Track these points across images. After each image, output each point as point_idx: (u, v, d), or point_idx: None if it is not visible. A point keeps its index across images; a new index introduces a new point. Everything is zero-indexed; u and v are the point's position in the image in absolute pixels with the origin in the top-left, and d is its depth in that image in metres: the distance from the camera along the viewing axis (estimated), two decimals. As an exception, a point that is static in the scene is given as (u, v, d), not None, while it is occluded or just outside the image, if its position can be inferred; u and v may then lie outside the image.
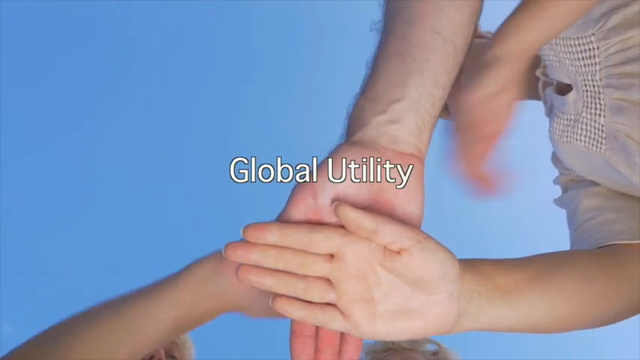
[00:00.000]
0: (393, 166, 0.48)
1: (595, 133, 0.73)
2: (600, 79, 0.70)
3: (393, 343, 1.12)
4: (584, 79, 0.72)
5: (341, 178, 0.47)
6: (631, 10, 0.66)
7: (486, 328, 0.54)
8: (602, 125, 0.72)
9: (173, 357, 1.13)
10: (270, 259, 0.47)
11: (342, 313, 0.49)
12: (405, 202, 0.49)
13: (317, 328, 0.51)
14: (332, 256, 0.48)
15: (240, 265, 0.48)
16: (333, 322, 0.49)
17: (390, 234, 0.46)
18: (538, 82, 0.85)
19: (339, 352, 0.52)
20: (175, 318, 0.57)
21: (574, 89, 0.74)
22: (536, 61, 0.82)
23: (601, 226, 0.74)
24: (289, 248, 0.48)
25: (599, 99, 0.71)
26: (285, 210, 0.48)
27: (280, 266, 0.48)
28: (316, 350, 0.51)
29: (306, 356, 0.51)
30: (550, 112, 0.83)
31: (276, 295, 0.49)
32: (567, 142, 0.77)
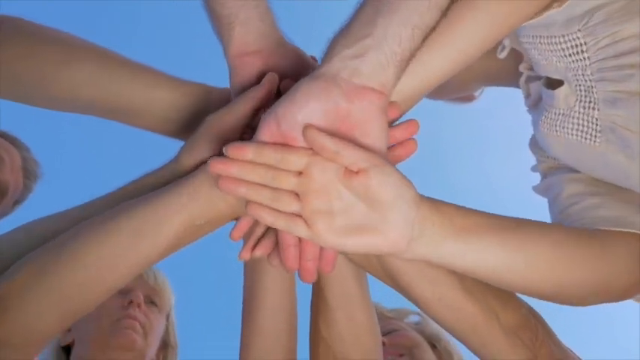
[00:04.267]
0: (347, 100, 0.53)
1: (588, 127, 0.74)
2: (591, 74, 0.71)
3: (377, 311, 1.13)
4: (575, 74, 0.73)
5: (300, 109, 0.53)
6: (615, 7, 0.67)
7: (441, 261, 0.59)
8: (596, 119, 0.73)
9: (152, 302, 1.12)
10: (246, 172, 0.55)
11: (305, 222, 0.56)
12: (365, 132, 0.54)
13: (300, 241, 0.59)
14: (300, 173, 0.56)
15: (221, 176, 0.56)
16: (297, 229, 0.57)
17: (349, 156, 0.53)
18: (520, 76, 0.85)
19: (320, 256, 0.61)
20: (186, 222, 0.60)
21: (565, 84, 0.75)
22: (519, 55, 0.83)
23: (585, 211, 0.76)
24: (264, 165, 0.55)
25: (592, 93, 0.72)
26: (253, 138, 0.56)
27: (255, 178, 0.55)
28: (300, 258, 0.60)
29: (292, 262, 0.60)
30: (535, 104, 0.85)
31: (250, 202, 0.57)
32: (557, 135, 0.78)
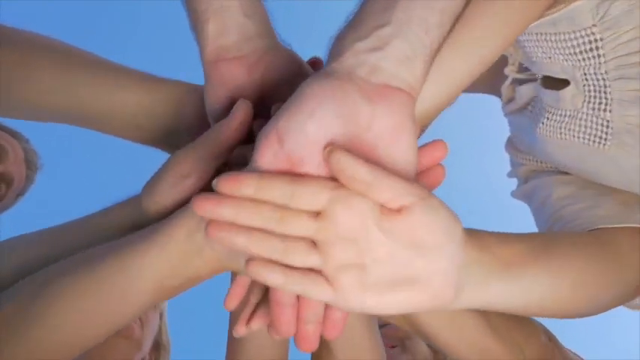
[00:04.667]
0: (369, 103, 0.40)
1: (597, 129, 0.70)
2: (606, 72, 0.66)
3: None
4: (585, 74, 0.68)
5: (310, 118, 0.40)
6: None
7: (485, 305, 0.49)
8: (608, 121, 0.69)
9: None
10: (244, 214, 0.41)
11: (327, 280, 0.42)
12: (393, 150, 0.42)
13: (299, 296, 0.45)
14: (318, 213, 0.41)
15: (210, 220, 0.42)
16: (317, 291, 0.42)
17: (389, 188, 0.40)
18: (502, 80, 0.82)
19: (325, 318, 0.46)
20: (158, 280, 0.48)
21: (572, 84, 0.70)
22: (502, 60, 0.80)
23: (582, 211, 0.71)
24: (267, 203, 0.41)
25: (605, 92, 0.67)
26: (249, 165, 0.42)
27: (256, 222, 0.41)
28: (298, 320, 0.46)
29: (287, 327, 0.45)
30: (524, 109, 0.81)
31: (251, 258, 0.42)
32: (561, 138, 0.74)
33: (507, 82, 0.82)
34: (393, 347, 1.06)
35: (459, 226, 0.43)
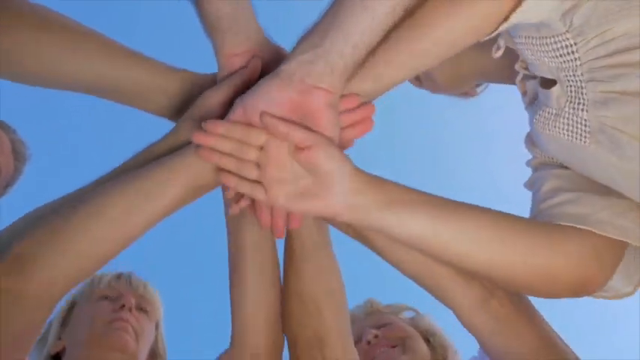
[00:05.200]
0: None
1: (578, 127, 0.74)
2: (582, 74, 0.71)
3: (372, 306, 1.17)
4: (566, 75, 0.72)
5: (260, 98, 0.67)
6: (590, 5, 0.67)
7: (373, 228, 0.72)
8: (585, 120, 0.72)
9: (142, 309, 1.14)
10: (220, 143, 0.70)
11: (264, 188, 0.70)
12: (315, 122, 0.67)
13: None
14: (261, 148, 0.70)
15: (200, 147, 0.70)
16: (257, 193, 0.71)
17: (297, 135, 0.67)
18: (517, 75, 0.85)
19: (288, 217, 0.76)
20: (185, 186, 0.73)
21: (558, 84, 0.74)
22: (515, 53, 0.82)
23: (555, 206, 0.78)
24: (234, 139, 0.70)
25: (582, 93, 0.72)
26: (225, 119, 0.71)
27: (225, 149, 0.70)
28: (272, 215, 0.76)
29: (266, 220, 0.76)
30: (531, 102, 0.84)
31: (221, 170, 0.71)
32: (549, 134, 0.78)
33: (519, 77, 0.86)
34: (393, 347, 1.06)
35: (347, 164, 0.68)
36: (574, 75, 0.72)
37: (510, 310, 0.80)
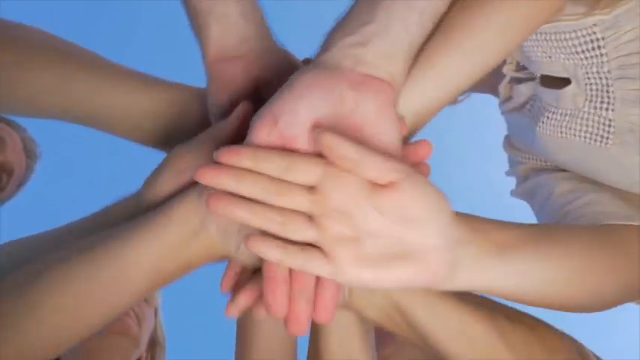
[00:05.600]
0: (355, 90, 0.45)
1: (599, 128, 0.70)
2: (609, 71, 0.66)
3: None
4: (587, 72, 0.68)
5: (300, 100, 0.44)
6: None
7: (480, 287, 0.50)
8: (610, 120, 0.69)
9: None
10: (244, 183, 0.44)
11: (324, 254, 0.45)
12: (378, 130, 0.45)
13: (291, 273, 0.46)
14: (312, 188, 0.44)
15: (212, 192, 0.45)
16: (315, 264, 0.45)
17: (376, 165, 0.43)
18: (500, 80, 0.82)
19: (315, 300, 0.47)
20: (155, 264, 0.48)
21: (574, 83, 0.71)
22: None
23: (585, 207, 0.71)
24: (265, 175, 0.44)
25: (607, 92, 0.67)
26: (246, 141, 0.46)
27: (256, 192, 0.44)
28: (290, 297, 0.46)
29: (279, 304, 0.46)
30: (522, 107, 0.82)
31: (251, 234, 0.45)
32: (562, 137, 0.74)
33: (505, 81, 0.82)
34: None
35: (445, 203, 0.46)
36: (598, 72, 0.67)
37: None
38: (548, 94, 0.75)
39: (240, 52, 0.55)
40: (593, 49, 0.65)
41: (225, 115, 0.54)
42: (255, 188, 0.44)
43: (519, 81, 0.81)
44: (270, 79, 0.56)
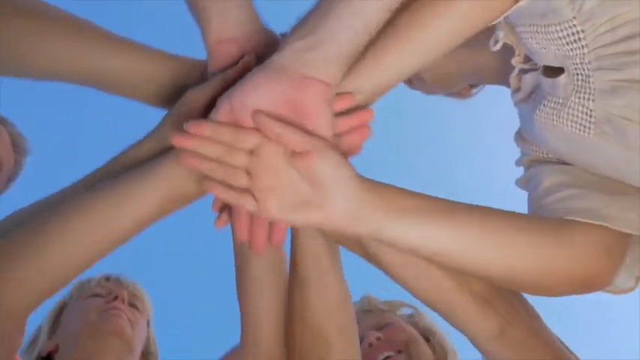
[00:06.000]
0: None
1: (582, 118, 0.72)
2: (589, 62, 0.69)
3: (370, 303, 1.15)
4: (574, 63, 0.70)
5: (249, 93, 0.60)
6: None
7: (383, 240, 0.65)
8: (591, 110, 0.71)
9: (134, 306, 1.14)
10: (204, 147, 0.61)
11: (254, 197, 0.62)
12: (311, 120, 0.61)
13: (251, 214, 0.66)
14: (251, 153, 0.62)
15: (182, 152, 0.62)
16: (247, 204, 0.63)
17: (293, 138, 0.60)
18: (510, 71, 0.84)
19: (271, 231, 0.67)
20: (161, 198, 0.66)
21: (565, 72, 0.73)
22: (508, 50, 0.81)
23: (559, 202, 0.75)
24: (220, 142, 0.61)
25: (589, 82, 0.70)
26: (209, 117, 0.63)
27: (211, 153, 0.62)
28: (251, 226, 0.67)
29: (242, 229, 0.67)
30: (527, 97, 0.83)
31: (205, 178, 0.64)
32: (554, 125, 0.76)
33: (514, 72, 0.84)
34: (399, 352, 1.05)
35: (349, 170, 0.61)
36: (581, 63, 0.70)
37: (527, 337, 0.77)
38: (547, 83, 0.77)
39: (235, 35, 0.68)
40: (575, 41, 0.68)
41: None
42: (213, 151, 0.62)
43: (526, 72, 0.82)
44: (261, 56, 0.68)
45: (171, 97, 0.76)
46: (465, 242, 0.66)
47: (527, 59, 0.82)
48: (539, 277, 0.69)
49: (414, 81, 1.00)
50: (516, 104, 0.87)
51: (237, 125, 0.61)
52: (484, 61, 0.85)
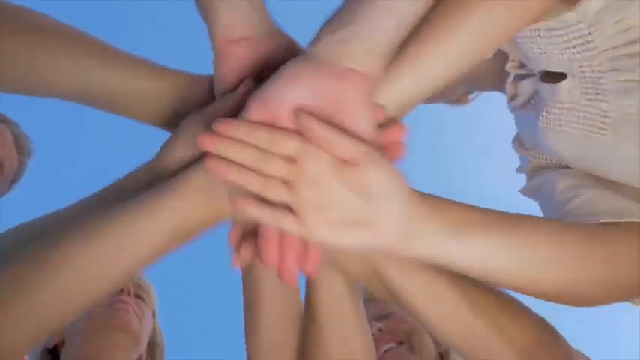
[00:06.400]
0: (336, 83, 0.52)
1: (595, 120, 0.71)
2: (599, 64, 0.69)
3: (370, 293, 1.09)
4: (581, 66, 0.70)
5: (286, 87, 0.53)
6: None
7: (438, 259, 0.57)
8: (605, 111, 0.70)
9: (139, 297, 1.13)
10: (234, 150, 0.53)
11: (294, 215, 0.53)
12: (353, 117, 0.53)
13: (282, 236, 0.56)
14: (291, 160, 0.53)
15: (208, 155, 0.54)
16: (286, 222, 0.53)
17: (344, 145, 0.52)
18: (506, 77, 0.84)
19: (302, 255, 0.57)
20: (172, 229, 0.56)
21: (569, 77, 0.72)
22: (504, 56, 0.81)
23: (585, 205, 0.73)
24: (254, 145, 0.53)
25: (600, 84, 0.70)
26: (240, 117, 0.54)
27: (243, 158, 0.53)
28: (281, 252, 0.57)
29: (270, 255, 0.56)
30: (525, 103, 0.83)
31: (235, 194, 0.55)
32: (560, 130, 0.75)
33: (510, 78, 0.83)
34: (400, 343, 1.04)
35: (403, 182, 0.54)
36: (590, 65, 0.69)
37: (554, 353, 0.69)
38: (546, 89, 0.76)
39: (246, 34, 0.62)
40: (582, 44, 0.68)
41: (232, 91, 0.63)
42: (245, 155, 0.53)
43: (522, 77, 0.82)
44: (274, 60, 0.61)
45: (172, 116, 0.70)
46: (524, 259, 0.59)
47: (522, 65, 0.82)
48: (587, 289, 0.63)
49: None
50: (513, 111, 0.87)
51: (273, 126, 0.53)
52: (480, 68, 0.84)
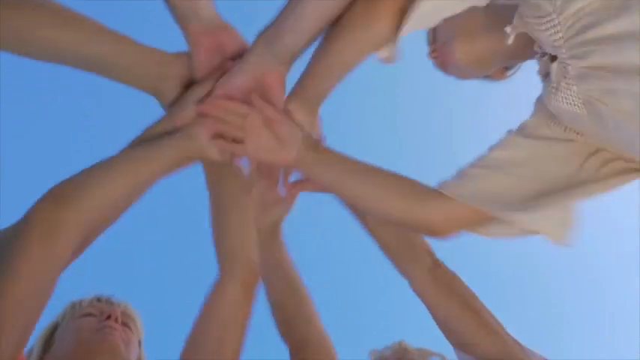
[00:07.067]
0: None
1: (573, 100, 0.80)
2: (565, 51, 0.77)
3: (400, 347, 1.17)
4: (558, 52, 0.79)
5: (234, 77, 0.95)
6: None
7: (312, 173, 1.01)
8: (577, 93, 0.79)
9: (126, 325, 1.15)
10: (219, 112, 0.96)
11: (242, 144, 0.97)
12: (274, 96, 0.96)
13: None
14: (244, 116, 0.96)
15: (207, 119, 0.96)
16: (237, 148, 0.97)
17: (269, 112, 0.96)
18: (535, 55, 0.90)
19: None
20: (172, 160, 0.95)
21: (558, 59, 0.80)
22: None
23: (457, 175, 0.94)
24: (225, 110, 0.96)
25: (567, 71, 0.79)
26: (213, 92, 0.96)
27: (222, 115, 0.96)
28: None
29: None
30: (545, 77, 0.88)
31: (215, 140, 0.96)
32: (555, 105, 0.83)
33: (538, 55, 0.90)
34: None
35: (299, 132, 0.97)
36: (562, 53, 0.78)
37: (451, 276, 1.04)
38: (545, 67, 0.86)
39: (208, 27, 0.95)
40: (555, 32, 0.77)
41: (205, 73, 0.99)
42: (223, 114, 0.96)
43: (543, 55, 0.89)
44: (230, 45, 0.98)
45: (155, 81, 0.98)
46: (362, 186, 0.98)
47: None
48: (404, 217, 0.98)
49: (449, 67, 1.03)
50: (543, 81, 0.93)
51: (233, 99, 0.96)
52: (515, 43, 0.88)
